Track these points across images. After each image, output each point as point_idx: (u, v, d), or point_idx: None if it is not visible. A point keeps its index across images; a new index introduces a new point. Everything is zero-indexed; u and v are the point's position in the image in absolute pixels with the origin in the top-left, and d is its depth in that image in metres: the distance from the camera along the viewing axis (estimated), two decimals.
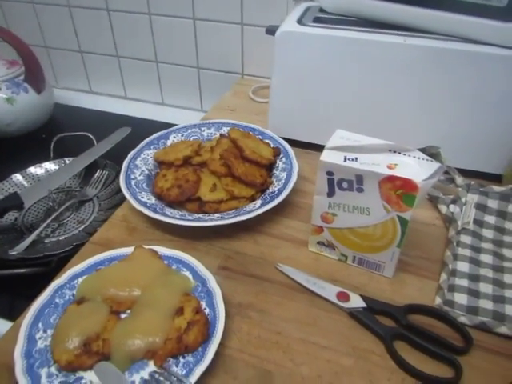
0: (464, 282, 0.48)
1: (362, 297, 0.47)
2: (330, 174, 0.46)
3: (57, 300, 0.47)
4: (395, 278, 0.50)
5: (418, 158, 0.43)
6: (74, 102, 1.09)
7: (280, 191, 0.58)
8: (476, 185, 0.57)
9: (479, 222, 0.54)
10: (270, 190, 0.59)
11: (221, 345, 0.42)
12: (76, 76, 1.12)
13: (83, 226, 0.70)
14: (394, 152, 0.45)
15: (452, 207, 0.57)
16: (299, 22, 0.63)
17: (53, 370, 0.41)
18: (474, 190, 0.57)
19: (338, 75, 0.62)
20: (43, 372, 0.41)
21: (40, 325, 0.44)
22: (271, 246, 0.55)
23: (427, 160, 0.43)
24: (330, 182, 0.47)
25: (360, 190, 0.46)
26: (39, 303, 0.46)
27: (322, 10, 0.66)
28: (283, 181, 0.60)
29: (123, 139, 0.82)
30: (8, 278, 0.61)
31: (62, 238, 0.68)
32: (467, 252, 0.51)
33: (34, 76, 0.92)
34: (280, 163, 0.63)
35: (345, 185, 0.46)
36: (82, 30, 1.03)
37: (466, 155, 0.62)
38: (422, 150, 0.44)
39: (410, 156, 0.44)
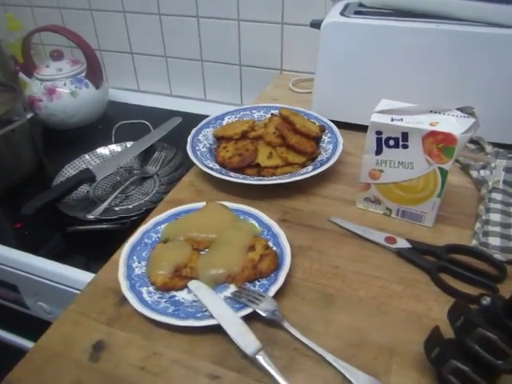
0: (497, 229, 0.55)
1: (408, 240, 0.54)
2: (378, 133, 0.54)
3: (145, 240, 0.55)
4: (435, 228, 0.58)
5: (456, 116, 0.51)
6: (124, 100, 1.19)
7: (328, 159, 0.66)
8: (504, 152, 0.65)
9: (508, 183, 0.61)
10: (319, 158, 0.67)
11: (288, 275, 0.50)
12: (125, 76, 1.23)
13: (148, 197, 0.79)
14: (435, 112, 0.53)
15: (482, 172, 0.64)
16: (342, 14, 0.72)
17: (151, 289, 0.49)
18: (503, 156, 0.64)
19: (377, 61, 0.71)
20: (144, 290, 0.49)
21: (135, 257, 0.53)
22: (322, 204, 0.63)
23: (464, 117, 0.51)
24: (378, 141, 0.55)
25: (405, 147, 0.53)
26: (131, 242, 0.55)
27: (360, 5, 0.75)
28: (330, 151, 0.68)
29: (174, 128, 0.92)
30: (89, 234, 0.70)
31: (130, 206, 0.77)
32: (498, 206, 0.58)
33: (94, 73, 1.03)
34: (326, 138, 0.71)
35: (391, 142, 0.54)
36: (134, 34, 1.14)
37: (496, 129, 0.69)
38: (459, 110, 0.52)
39: (449, 115, 0.52)
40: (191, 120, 0.80)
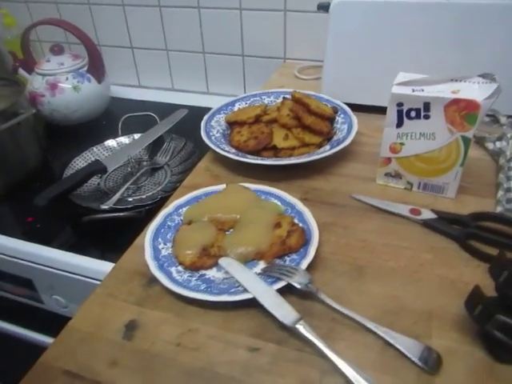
0: None
1: (433, 210, 0.54)
2: (399, 105, 0.54)
3: (168, 223, 0.55)
4: (457, 199, 0.58)
5: (478, 83, 0.51)
6: (125, 95, 1.18)
7: (344, 138, 0.66)
8: None
9: None
10: (335, 138, 0.67)
11: (316, 251, 0.49)
12: (126, 71, 1.22)
13: (160, 187, 0.78)
14: (456, 81, 0.53)
15: (498, 143, 0.64)
16: None
17: (180, 268, 0.49)
18: None
19: (389, 38, 0.71)
20: (173, 270, 0.48)
21: (159, 239, 0.52)
22: (342, 183, 0.62)
23: (486, 83, 0.51)
24: (399, 113, 0.55)
25: (427, 117, 0.53)
26: (155, 225, 0.54)
27: None
28: (345, 131, 0.68)
29: (180, 121, 0.91)
30: (104, 224, 0.69)
31: (143, 196, 0.76)
32: None
33: (96, 67, 1.02)
34: (339, 118, 0.71)
35: (413, 114, 0.54)
36: (134, 27, 1.14)
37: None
38: (481, 76, 0.52)
39: (470, 82, 0.52)
40: (196, 113, 0.79)
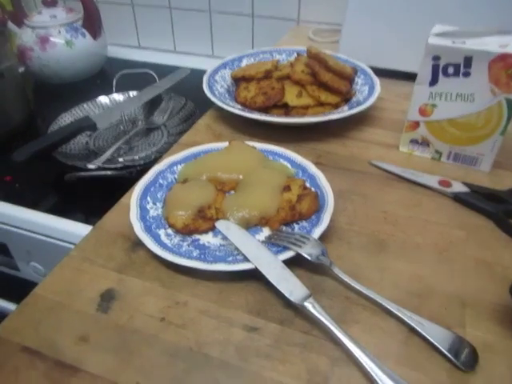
0: None
1: (464, 183, 0.47)
2: (436, 58, 0.46)
3: (160, 181, 0.47)
4: (492, 173, 0.50)
5: None
6: (123, 56, 1.10)
7: (365, 99, 0.58)
8: None
9: None
10: (354, 99, 0.59)
11: (330, 221, 0.42)
12: (125, 30, 1.13)
13: (155, 148, 0.71)
14: (504, 33, 0.45)
15: None
16: None
17: (170, 231, 0.41)
18: None
19: None
20: (161, 232, 0.41)
21: (148, 198, 0.45)
22: (360, 148, 0.55)
23: None
24: (435, 69, 0.47)
25: (466, 75, 0.46)
26: (144, 182, 0.47)
27: None
28: (366, 92, 0.60)
29: (182, 82, 0.83)
30: (90, 184, 0.62)
31: (136, 157, 0.68)
32: None
33: (92, 22, 0.94)
34: (359, 80, 0.64)
35: (450, 70, 0.46)
36: None
37: None
38: None
39: None
40: (199, 75, 0.72)
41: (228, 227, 0.40)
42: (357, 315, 0.35)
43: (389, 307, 0.35)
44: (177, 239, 0.41)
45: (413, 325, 0.33)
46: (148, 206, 0.44)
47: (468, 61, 0.45)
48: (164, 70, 0.91)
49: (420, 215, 0.45)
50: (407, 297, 0.36)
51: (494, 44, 0.44)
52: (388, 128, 0.58)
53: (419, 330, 0.33)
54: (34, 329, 0.35)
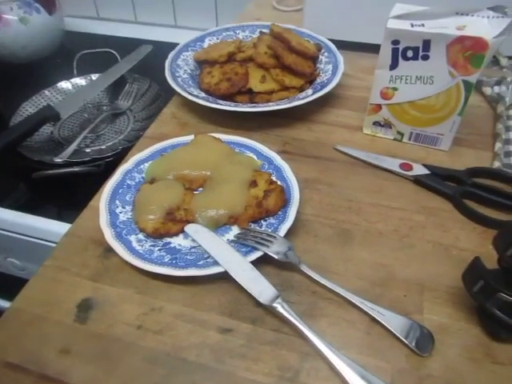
0: None
1: (425, 165, 0.49)
2: (395, 42, 0.46)
3: (128, 182, 0.48)
4: (452, 151, 0.52)
5: (487, 17, 0.44)
6: (82, 29, 1.05)
7: (329, 80, 0.58)
8: None
9: None
10: (319, 80, 0.59)
11: (297, 213, 0.43)
12: (82, 1, 1.07)
13: (122, 136, 0.69)
14: (462, 14, 0.45)
15: (497, 88, 0.58)
16: None
17: (141, 236, 0.42)
18: None
19: None
20: (132, 238, 0.42)
21: (117, 202, 0.45)
22: (326, 132, 0.56)
23: (497, 17, 0.43)
24: (394, 53, 0.47)
25: (425, 58, 0.46)
26: (112, 184, 0.47)
27: None
28: (329, 72, 0.60)
29: (144, 59, 0.80)
30: (59, 179, 0.61)
31: (103, 146, 0.67)
32: None
33: None
34: (323, 57, 0.63)
35: (409, 53, 0.46)
36: None
37: None
38: (491, 9, 0.44)
39: (478, 16, 0.44)
40: (162, 49, 0.69)
41: (197, 231, 0.41)
42: (324, 309, 0.37)
43: (352, 300, 0.37)
44: (148, 244, 0.42)
45: (373, 315, 0.36)
46: (117, 211, 0.44)
47: (426, 44, 0.45)
48: (125, 45, 0.87)
49: (382, 201, 0.46)
50: (370, 286, 0.39)
51: (452, 26, 0.44)
52: (353, 108, 0.59)
53: (380, 319, 0.36)
54: (15, 343, 0.36)
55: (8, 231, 0.61)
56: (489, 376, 0.33)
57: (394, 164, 0.49)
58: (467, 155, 0.51)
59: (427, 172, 0.48)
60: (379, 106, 0.52)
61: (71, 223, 0.46)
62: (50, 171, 0.60)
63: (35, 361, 0.35)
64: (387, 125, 0.53)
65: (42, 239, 0.59)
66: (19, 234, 0.60)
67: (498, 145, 0.51)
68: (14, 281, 0.66)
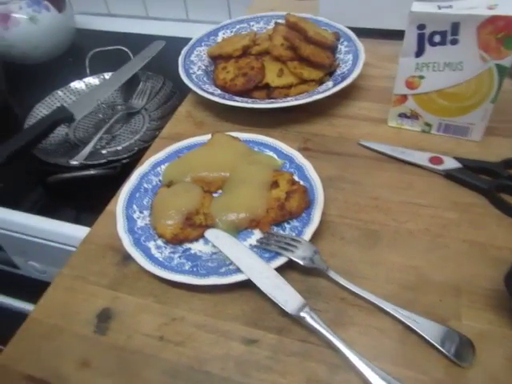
0: None
1: (456, 158, 0.46)
2: (421, 27, 0.43)
3: (145, 185, 0.46)
4: (483, 142, 0.49)
5: None
6: (92, 26, 1.03)
7: (350, 71, 0.55)
8: None
9: None
10: (339, 71, 0.56)
11: (321, 215, 0.41)
12: None
13: (138, 136, 0.68)
14: None
15: None
16: None
17: (160, 242, 0.41)
18: None
19: None
20: (151, 245, 0.40)
21: (135, 207, 0.44)
22: (348, 126, 0.53)
23: None
24: (420, 38, 0.44)
25: (454, 42, 0.43)
26: (128, 188, 0.45)
27: None
28: (350, 62, 0.57)
29: (157, 55, 0.78)
30: (75, 182, 0.60)
31: (119, 147, 0.66)
32: None
33: None
34: (342, 47, 0.60)
35: (437, 38, 0.43)
36: None
37: None
38: None
39: None
40: (174, 45, 0.68)
41: (217, 236, 0.39)
42: (353, 317, 0.35)
43: (383, 306, 0.35)
44: (167, 251, 0.40)
45: (407, 323, 0.34)
46: (135, 216, 0.43)
47: (455, 27, 0.42)
48: (137, 42, 0.86)
49: (412, 199, 0.44)
50: (402, 291, 0.37)
51: (482, 6, 0.41)
52: (376, 100, 0.56)
53: (414, 327, 0.33)
54: (35, 356, 0.35)
55: (26, 235, 0.60)
56: None
57: (422, 158, 0.47)
58: (501, 145, 0.48)
59: (459, 165, 0.45)
60: (405, 97, 0.49)
61: (88, 226, 0.45)
62: (66, 174, 0.59)
63: (56, 374, 0.34)
64: (414, 116, 0.50)
65: (59, 243, 0.59)
66: (37, 237, 0.60)
67: None
68: (38, 284, 0.66)
